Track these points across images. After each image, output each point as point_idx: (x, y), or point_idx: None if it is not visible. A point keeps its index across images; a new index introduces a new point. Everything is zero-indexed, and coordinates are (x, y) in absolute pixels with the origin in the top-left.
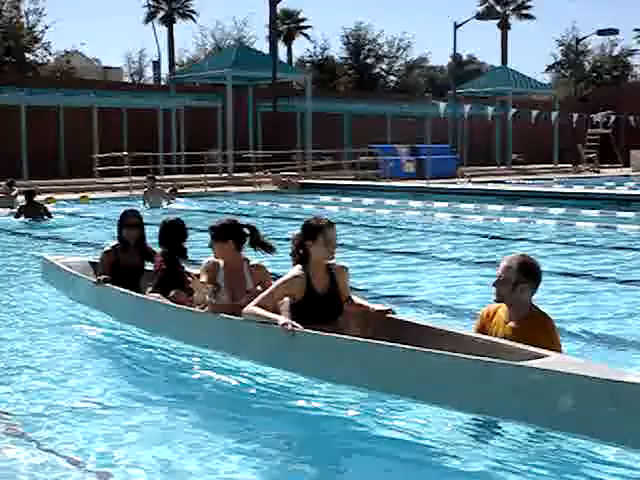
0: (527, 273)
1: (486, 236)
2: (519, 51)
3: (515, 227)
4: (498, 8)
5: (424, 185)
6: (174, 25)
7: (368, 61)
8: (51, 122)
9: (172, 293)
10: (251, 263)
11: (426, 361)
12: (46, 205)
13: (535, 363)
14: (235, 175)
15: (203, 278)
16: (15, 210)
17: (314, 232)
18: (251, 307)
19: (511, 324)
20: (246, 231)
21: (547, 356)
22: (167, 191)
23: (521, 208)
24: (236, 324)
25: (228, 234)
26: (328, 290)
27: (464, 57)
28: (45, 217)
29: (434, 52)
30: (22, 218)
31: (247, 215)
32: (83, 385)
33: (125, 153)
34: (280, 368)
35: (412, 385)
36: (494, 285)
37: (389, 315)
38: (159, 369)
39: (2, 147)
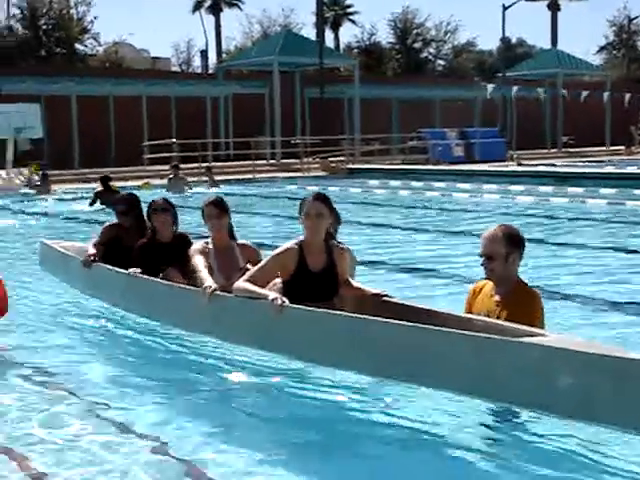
0: (515, 242)
1: (535, 215)
2: (569, 33)
3: (566, 207)
4: None
5: (473, 168)
6: (221, 14)
7: (416, 45)
8: (101, 111)
9: (166, 272)
10: (239, 242)
11: (423, 338)
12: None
13: (536, 340)
14: (283, 161)
15: (199, 260)
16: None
17: (300, 206)
18: (241, 282)
19: (496, 298)
20: None
21: (544, 335)
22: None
23: (571, 189)
24: (224, 300)
25: (226, 208)
26: (323, 269)
27: (513, 40)
28: None
29: (483, 36)
30: (97, 205)
31: (295, 198)
32: (76, 370)
33: (174, 140)
34: (270, 345)
35: (408, 364)
36: (483, 264)
37: (385, 298)
38: (149, 348)
39: (54, 136)
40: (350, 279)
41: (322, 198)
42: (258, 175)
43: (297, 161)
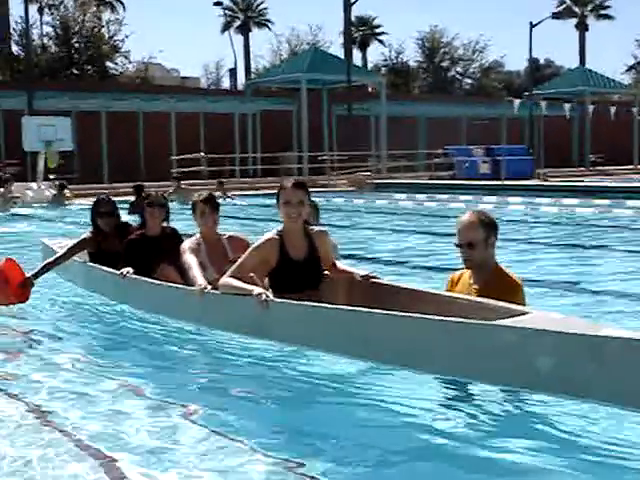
0: (491, 225)
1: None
2: (597, 52)
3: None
4: (576, 9)
5: (498, 183)
6: (250, 34)
7: (443, 64)
8: (131, 127)
9: (160, 268)
10: (227, 235)
11: (402, 324)
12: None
13: (510, 321)
14: (310, 177)
15: (191, 259)
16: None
17: (277, 194)
18: (225, 278)
19: (475, 286)
20: None
21: (527, 313)
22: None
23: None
24: (215, 298)
25: (217, 204)
26: (306, 256)
27: (541, 61)
28: None
29: (511, 57)
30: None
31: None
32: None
33: (202, 154)
34: (258, 339)
35: (389, 350)
36: (463, 253)
37: (373, 280)
38: (143, 343)
39: (84, 151)
40: (337, 262)
41: (301, 185)
42: None
43: (324, 177)
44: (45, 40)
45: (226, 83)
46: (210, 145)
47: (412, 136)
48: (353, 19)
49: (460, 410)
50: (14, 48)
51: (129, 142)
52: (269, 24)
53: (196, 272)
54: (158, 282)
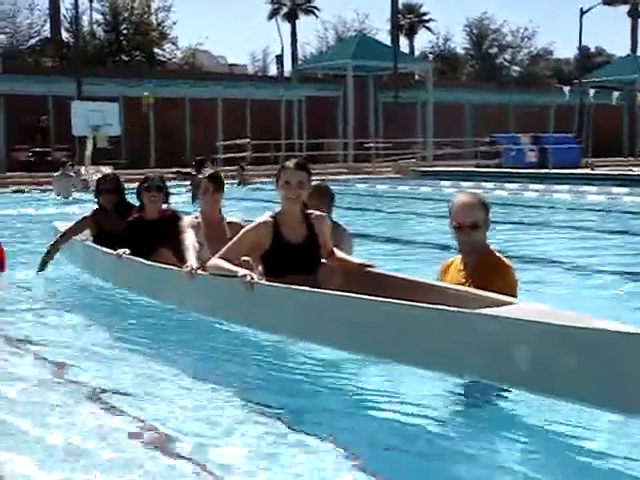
0: (488, 207)
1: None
2: None
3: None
4: None
5: (544, 171)
6: (297, 21)
7: (491, 51)
8: (178, 113)
9: (157, 251)
10: (228, 220)
11: (388, 312)
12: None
13: (489, 311)
14: (355, 164)
15: (190, 236)
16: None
17: (277, 173)
18: (214, 260)
19: (465, 271)
20: None
21: (513, 303)
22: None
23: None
24: (203, 279)
25: (223, 184)
26: (303, 240)
27: (592, 49)
28: None
29: (561, 43)
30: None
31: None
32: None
33: (248, 140)
34: (244, 322)
35: (374, 338)
36: (464, 235)
37: (369, 269)
38: (134, 323)
39: (131, 136)
40: (336, 250)
41: (303, 166)
42: (330, 177)
43: (369, 164)
44: (94, 27)
45: (273, 70)
46: (256, 131)
47: (458, 123)
48: (400, 6)
49: (442, 403)
50: (64, 35)
51: (176, 128)
52: (316, 11)
53: (191, 252)
54: (150, 262)
